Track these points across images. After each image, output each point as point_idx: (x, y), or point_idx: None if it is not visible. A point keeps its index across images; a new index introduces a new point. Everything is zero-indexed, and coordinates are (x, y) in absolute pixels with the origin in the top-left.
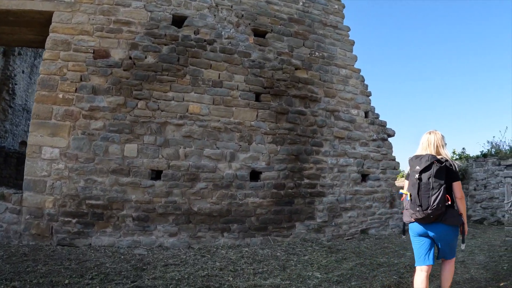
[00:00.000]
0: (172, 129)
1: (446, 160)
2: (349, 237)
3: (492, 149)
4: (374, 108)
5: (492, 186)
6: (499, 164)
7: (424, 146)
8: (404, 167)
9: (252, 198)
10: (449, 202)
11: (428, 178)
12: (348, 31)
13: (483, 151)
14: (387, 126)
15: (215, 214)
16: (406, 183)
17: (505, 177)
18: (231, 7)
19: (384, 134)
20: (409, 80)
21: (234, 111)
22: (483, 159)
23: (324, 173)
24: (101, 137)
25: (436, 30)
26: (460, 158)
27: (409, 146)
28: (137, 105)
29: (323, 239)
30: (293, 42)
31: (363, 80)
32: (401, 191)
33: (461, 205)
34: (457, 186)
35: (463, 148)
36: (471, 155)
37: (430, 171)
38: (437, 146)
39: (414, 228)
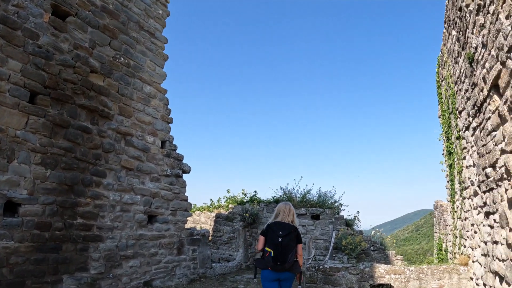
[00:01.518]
0: None
1: (297, 228)
2: None
3: (284, 196)
4: (173, 138)
5: None
6: None
7: (281, 215)
8: (199, 203)
9: (4, 241)
10: (297, 258)
11: (288, 241)
12: (164, 43)
13: (275, 196)
14: (184, 161)
15: None
16: (261, 239)
17: None
18: None
19: (179, 170)
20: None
21: None
22: (275, 205)
23: (103, 212)
24: None
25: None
26: (252, 201)
27: (202, 186)
28: None
29: None
30: (98, 37)
31: (167, 103)
32: (266, 249)
33: (301, 259)
34: (300, 247)
35: (255, 191)
36: (262, 199)
37: (290, 236)
38: (292, 215)
39: (268, 275)
